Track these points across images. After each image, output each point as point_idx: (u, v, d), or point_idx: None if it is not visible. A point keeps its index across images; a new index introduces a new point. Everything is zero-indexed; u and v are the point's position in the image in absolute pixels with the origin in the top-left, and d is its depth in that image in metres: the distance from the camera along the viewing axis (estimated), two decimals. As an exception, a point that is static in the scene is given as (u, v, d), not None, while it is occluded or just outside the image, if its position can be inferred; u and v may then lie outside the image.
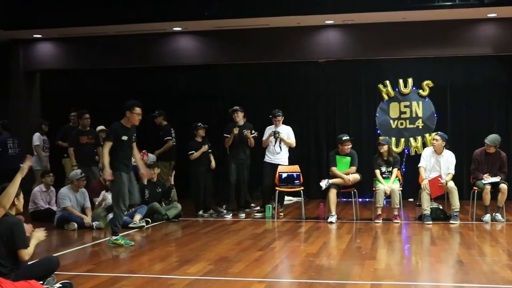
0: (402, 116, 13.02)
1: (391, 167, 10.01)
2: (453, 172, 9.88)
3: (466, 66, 12.88)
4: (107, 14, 12.11)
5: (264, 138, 10.81)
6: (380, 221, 9.76)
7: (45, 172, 10.73)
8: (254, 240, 8.26)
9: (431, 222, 9.49)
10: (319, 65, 13.34)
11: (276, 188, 10.40)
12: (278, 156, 10.64)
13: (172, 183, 10.85)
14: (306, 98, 13.54)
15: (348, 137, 10.18)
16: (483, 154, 9.90)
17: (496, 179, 9.63)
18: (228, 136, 10.63)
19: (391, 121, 13.04)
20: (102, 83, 14.10)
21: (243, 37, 12.77)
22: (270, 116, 10.76)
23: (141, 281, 5.96)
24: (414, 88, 12.94)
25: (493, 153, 9.84)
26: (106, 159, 7.79)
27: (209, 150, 10.91)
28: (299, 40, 12.66)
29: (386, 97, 13.03)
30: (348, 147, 10.13)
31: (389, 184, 9.83)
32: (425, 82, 12.85)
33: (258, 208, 10.97)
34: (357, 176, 10.03)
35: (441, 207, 10.14)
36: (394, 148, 11.82)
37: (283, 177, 10.46)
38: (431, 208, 9.77)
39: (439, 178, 9.73)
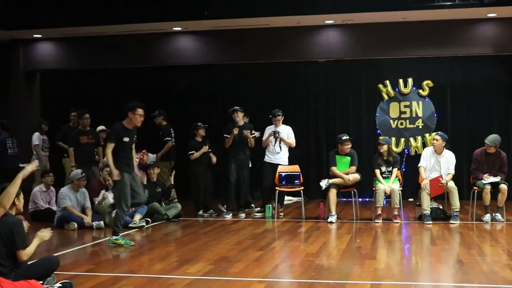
0: (402, 116, 13.02)
1: (391, 167, 10.01)
2: (453, 172, 9.88)
3: (466, 66, 12.89)
4: (107, 14, 12.12)
5: (264, 138, 10.82)
6: (380, 221, 9.76)
7: (45, 172, 10.73)
8: (254, 240, 8.26)
9: (431, 222, 9.49)
10: (319, 65, 13.34)
11: (276, 188, 10.40)
12: (278, 156, 10.64)
13: (172, 183, 10.85)
14: (306, 98, 13.54)
15: (347, 137, 10.18)
16: (483, 154, 9.90)
17: (496, 179, 9.63)
18: (228, 136, 10.63)
19: (391, 121, 13.04)
20: (102, 83, 14.11)
21: (243, 37, 12.77)
22: (270, 116, 10.76)
23: (141, 281, 5.96)
24: (414, 88, 12.94)
25: (493, 153, 9.84)
26: (111, 160, 7.79)
27: (209, 150, 10.92)
28: (299, 40, 12.66)
29: (386, 97, 13.04)
30: (348, 147, 10.13)
31: (389, 184, 9.83)
32: (425, 82, 12.85)
33: (258, 208, 10.96)
34: (357, 176, 10.03)
35: (441, 207, 10.14)
36: (394, 148, 11.83)
37: (283, 177, 10.45)
38: (431, 208, 9.77)
39: (440, 178, 9.73)
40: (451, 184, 9.72)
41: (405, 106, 13.00)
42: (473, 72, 12.92)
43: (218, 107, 13.58)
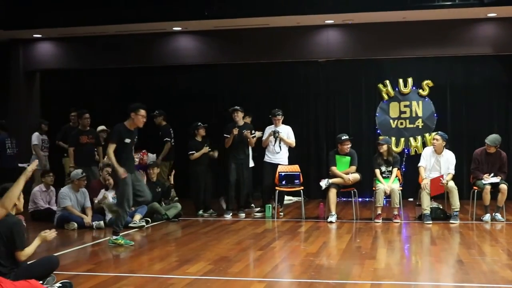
0: (402, 115, 13.02)
1: (391, 167, 10.02)
2: (453, 172, 9.88)
3: (466, 65, 12.89)
4: (107, 14, 12.11)
5: (264, 138, 10.82)
6: (380, 220, 9.76)
7: (45, 172, 10.73)
8: (254, 240, 8.26)
9: (431, 222, 9.49)
10: (319, 64, 13.34)
11: (276, 187, 10.40)
12: (278, 156, 10.64)
13: (172, 182, 10.85)
14: (306, 98, 13.55)
15: (347, 137, 10.18)
16: (483, 154, 9.90)
17: (496, 179, 9.63)
18: (228, 136, 10.63)
19: (391, 120, 13.04)
20: (102, 83, 14.10)
21: (243, 37, 12.77)
22: (270, 116, 10.77)
23: (141, 281, 5.96)
24: (414, 87, 12.94)
25: (494, 153, 9.83)
26: (113, 159, 7.79)
27: (209, 150, 10.92)
28: (299, 40, 12.65)
29: (386, 96, 13.04)
30: (347, 146, 10.13)
31: (389, 184, 9.83)
32: (425, 82, 12.86)
33: (259, 208, 10.96)
34: (357, 176, 10.03)
35: (441, 207, 10.14)
36: (394, 148, 11.83)
37: (283, 176, 10.45)
38: (431, 207, 9.77)
39: (441, 178, 9.73)
40: (451, 184, 9.72)
41: (405, 106, 13.01)
42: (473, 72, 12.92)
43: (218, 107, 13.58)
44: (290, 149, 10.85)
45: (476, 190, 9.83)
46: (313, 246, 7.75)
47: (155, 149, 11.65)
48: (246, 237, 8.49)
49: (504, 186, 9.58)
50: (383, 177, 9.97)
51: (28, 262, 5.45)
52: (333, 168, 10.13)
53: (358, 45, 12.58)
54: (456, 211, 9.65)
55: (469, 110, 12.89)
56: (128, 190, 7.90)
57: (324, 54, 12.74)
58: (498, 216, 9.70)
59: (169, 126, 11.84)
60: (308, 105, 13.53)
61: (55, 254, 6.58)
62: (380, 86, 13.04)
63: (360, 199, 11.49)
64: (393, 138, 12.64)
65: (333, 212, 9.80)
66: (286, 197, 11.52)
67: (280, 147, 10.62)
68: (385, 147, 10.05)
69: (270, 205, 10.57)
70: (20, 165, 11.56)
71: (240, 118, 10.76)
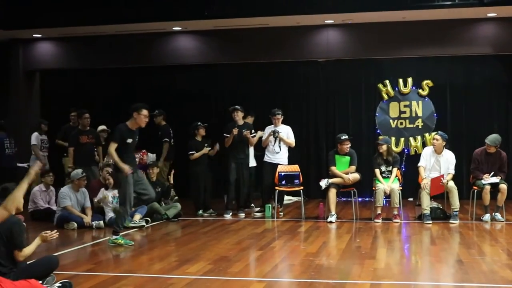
0: (402, 115, 13.02)
1: (390, 167, 10.01)
2: (453, 172, 9.88)
3: (466, 65, 12.89)
4: (107, 13, 12.11)
5: (263, 138, 10.82)
6: (380, 220, 9.76)
7: (44, 171, 10.72)
8: (253, 240, 8.26)
9: (430, 222, 9.49)
10: (318, 64, 13.34)
11: (276, 187, 10.40)
12: (278, 156, 10.64)
13: (172, 182, 10.86)
14: (305, 98, 13.55)
15: (347, 137, 10.18)
16: (483, 154, 9.89)
17: (496, 179, 9.63)
18: (228, 136, 10.63)
19: (391, 120, 13.04)
20: (102, 83, 14.10)
21: (243, 36, 12.77)
22: (270, 116, 10.77)
23: (141, 281, 5.96)
24: (413, 87, 12.94)
25: (494, 153, 9.83)
26: (116, 157, 7.81)
27: (209, 149, 10.92)
28: (299, 39, 12.65)
29: (385, 96, 13.04)
30: (347, 146, 10.13)
31: (388, 184, 9.83)
32: (425, 82, 12.86)
33: (258, 208, 10.97)
34: (356, 176, 10.03)
35: (441, 207, 10.14)
36: (394, 148, 11.83)
37: (282, 176, 10.45)
38: (430, 207, 9.76)
39: (441, 178, 9.73)
40: (451, 183, 9.72)
41: (405, 106, 13.01)
42: (473, 71, 12.91)
43: (218, 107, 13.58)
44: (290, 149, 10.85)
45: (476, 190, 9.83)
46: (313, 246, 7.75)
47: (154, 149, 11.66)
48: (246, 237, 8.49)
49: (504, 186, 9.58)
50: (383, 177, 9.97)
51: (28, 262, 5.46)
52: (333, 168, 10.13)
53: (358, 45, 12.58)
54: (456, 211, 9.65)
55: (469, 110, 12.89)
56: (130, 190, 7.92)
57: (324, 54, 12.74)
58: (498, 216, 9.70)
59: (169, 126, 11.85)
60: (308, 105, 13.53)
61: (55, 254, 6.58)
62: (380, 86, 13.04)
63: (360, 199, 11.49)
64: (393, 138, 12.64)
65: (333, 212, 9.80)
66: (286, 197, 11.52)
67: (280, 147, 10.62)
68: (384, 147, 10.05)
69: (270, 205, 10.57)
70: (19, 165, 11.60)
71: (240, 117, 10.76)
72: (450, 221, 9.56)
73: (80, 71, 14.13)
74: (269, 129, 10.74)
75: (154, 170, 10.44)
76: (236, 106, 10.79)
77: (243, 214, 10.68)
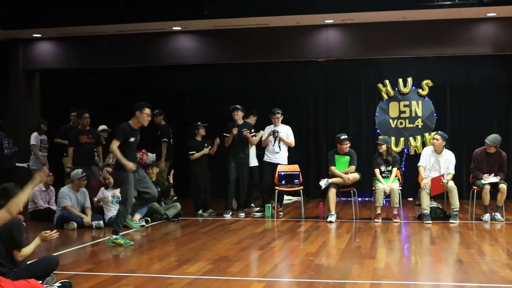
0: (402, 115, 13.03)
1: (390, 167, 10.01)
2: (453, 172, 9.88)
3: (466, 65, 12.89)
4: (107, 13, 12.11)
5: (263, 138, 10.82)
6: (380, 220, 9.76)
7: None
8: (253, 240, 8.26)
9: (430, 222, 9.49)
10: (318, 64, 13.34)
11: (276, 187, 10.40)
12: (278, 156, 10.64)
13: (171, 182, 10.86)
14: (305, 98, 13.55)
15: (346, 136, 10.18)
16: (483, 154, 9.89)
17: (496, 179, 9.63)
18: (228, 135, 10.63)
19: (391, 120, 13.05)
20: (102, 83, 14.10)
21: (243, 36, 12.76)
22: (270, 115, 10.78)
23: (141, 281, 5.96)
24: (413, 87, 12.95)
25: (494, 153, 9.83)
26: (119, 155, 7.84)
27: (209, 148, 10.93)
28: (299, 39, 12.65)
29: (385, 96, 13.04)
30: (346, 146, 10.13)
31: (388, 184, 9.83)
32: (425, 82, 12.86)
33: (258, 208, 10.97)
34: (356, 175, 10.03)
35: (440, 207, 10.14)
36: (393, 148, 11.83)
37: (282, 176, 10.45)
38: (430, 207, 9.77)
39: (441, 178, 9.73)
40: (451, 183, 9.72)
41: (405, 106, 13.01)
42: (472, 71, 12.92)
43: (218, 107, 13.57)
44: (290, 148, 10.85)
45: (475, 190, 9.84)
46: (313, 245, 7.75)
47: (154, 149, 11.65)
48: (246, 237, 8.49)
49: (503, 186, 9.58)
50: (383, 177, 9.97)
51: (28, 262, 5.46)
52: (333, 168, 10.13)
53: (357, 45, 12.58)
54: (456, 211, 9.65)
55: (469, 110, 12.89)
56: (131, 189, 7.96)
57: (324, 53, 12.74)
58: (498, 215, 9.70)
59: (169, 126, 11.85)
60: (308, 105, 13.53)
61: (55, 254, 6.59)
62: (380, 85, 13.04)
63: (359, 199, 11.50)
64: (393, 138, 12.65)
65: (333, 212, 9.80)
66: (286, 197, 11.53)
67: (279, 147, 10.62)
68: (384, 147, 10.05)
69: (270, 205, 10.57)
70: (19, 164, 11.60)
71: (239, 117, 10.76)
72: (450, 221, 9.56)
73: (80, 71, 14.13)
74: (268, 128, 10.75)
75: (154, 170, 10.43)
76: (237, 106, 10.79)
77: (243, 214, 10.68)
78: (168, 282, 5.86)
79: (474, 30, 12.12)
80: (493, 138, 9.83)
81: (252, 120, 11.42)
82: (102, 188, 9.97)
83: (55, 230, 5.72)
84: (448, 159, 9.93)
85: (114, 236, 7.93)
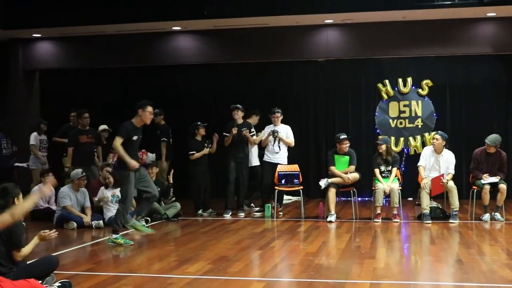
0: (402, 115, 13.03)
1: (390, 166, 10.01)
2: (453, 172, 9.88)
3: (466, 65, 12.89)
4: (107, 13, 12.11)
5: (263, 138, 10.82)
6: (380, 220, 9.76)
7: (44, 171, 10.73)
8: (253, 240, 8.26)
9: (430, 221, 9.50)
10: (318, 64, 13.34)
11: (276, 187, 10.40)
12: (277, 156, 10.64)
13: (171, 182, 10.86)
14: (305, 98, 13.55)
15: (345, 136, 10.18)
16: (483, 154, 9.89)
17: (495, 179, 9.63)
18: (227, 135, 10.63)
19: (391, 120, 13.05)
20: (102, 83, 14.10)
21: (243, 36, 12.76)
22: (269, 115, 10.78)
23: (141, 280, 5.96)
24: (413, 87, 12.95)
25: (493, 153, 9.83)
26: (123, 152, 7.86)
27: (209, 146, 10.93)
28: (299, 39, 12.65)
29: (385, 96, 13.05)
30: (346, 145, 10.13)
31: (388, 183, 9.83)
32: (425, 81, 12.86)
33: (258, 207, 10.97)
34: (356, 175, 10.03)
35: (440, 206, 10.14)
36: (393, 147, 11.83)
37: (282, 176, 10.45)
38: (430, 207, 9.77)
39: (441, 177, 9.73)
40: (451, 183, 9.72)
41: (405, 106, 13.01)
42: (472, 71, 12.92)
43: (218, 107, 13.57)
44: (290, 148, 10.85)
45: (475, 190, 9.84)
46: (313, 245, 7.75)
47: (153, 148, 11.65)
48: (246, 237, 8.49)
49: (503, 186, 9.58)
50: (383, 177, 9.97)
51: (28, 262, 5.46)
52: (332, 168, 10.13)
53: (357, 45, 12.57)
54: (456, 211, 9.65)
55: (469, 110, 12.89)
56: (131, 189, 8.00)
57: (324, 53, 12.73)
58: (498, 215, 9.70)
59: (168, 126, 11.85)
60: (308, 104, 13.53)
61: (55, 254, 6.60)
62: (380, 85, 13.04)
63: (359, 199, 11.50)
64: (393, 138, 12.65)
65: (333, 212, 9.80)
66: (286, 197, 11.52)
67: (279, 147, 10.62)
68: (384, 146, 10.05)
69: (270, 205, 10.57)
70: (19, 164, 11.60)
71: (239, 116, 10.76)
72: (450, 221, 9.56)
73: (80, 70, 14.12)
74: (268, 128, 10.75)
75: (153, 170, 10.43)
76: (237, 105, 10.78)
77: (243, 214, 10.68)
78: (168, 282, 5.86)
79: (474, 30, 12.12)
80: (493, 138, 9.83)
81: (254, 119, 11.42)
82: (102, 188, 9.97)
83: (54, 230, 5.72)
84: (448, 159, 9.93)
85: (114, 236, 7.94)
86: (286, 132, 10.72)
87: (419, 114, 12.93)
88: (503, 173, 9.80)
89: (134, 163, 7.89)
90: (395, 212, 9.81)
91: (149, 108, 8.08)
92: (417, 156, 11.20)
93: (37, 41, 13.62)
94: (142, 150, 11.34)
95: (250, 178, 11.03)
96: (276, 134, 10.55)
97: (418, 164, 10.12)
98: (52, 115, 13.22)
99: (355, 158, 10.19)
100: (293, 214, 10.86)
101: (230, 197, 10.76)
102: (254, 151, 11.20)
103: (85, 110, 11.09)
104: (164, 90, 13.78)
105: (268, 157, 10.71)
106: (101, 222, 9.48)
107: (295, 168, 10.64)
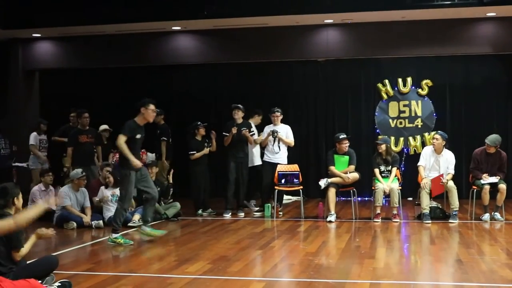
0: (401, 115, 13.03)
1: (390, 166, 10.01)
2: (452, 172, 9.88)
3: (466, 65, 12.89)
4: (107, 13, 12.10)
5: (263, 138, 10.82)
6: (379, 220, 9.76)
7: (44, 171, 10.73)
8: (253, 239, 8.26)
9: (430, 221, 9.50)
10: (318, 64, 13.35)
11: (275, 187, 10.40)
12: (277, 156, 10.64)
13: (171, 181, 10.86)
14: (305, 97, 13.55)
15: (345, 136, 10.18)
16: (483, 154, 9.89)
17: (495, 179, 9.63)
18: (227, 135, 10.63)
19: (390, 120, 13.05)
20: (102, 82, 14.10)
21: (243, 36, 12.76)
22: (269, 114, 10.78)
23: (140, 280, 5.96)
24: (413, 87, 12.95)
25: (493, 153, 9.83)
26: (126, 150, 7.88)
27: (209, 145, 10.93)
28: (298, 39, 12.64)
29: (385, 96, 13.05)
30: (345, 145, 10.13)
31: (388, 183, 9.83)
32: (424, 81, 12.87)
33: (258, 207, 10.97)
34: (356, 175, 10.03)
35: (440, 206, 10.14)
36: (393, 147, 11.84)
37: (282, 176, 10.45)
38: (430, 207, 9.77)
39: (441, 177, 9.73)
40: (451, 183, 9.73)
41: (404, 106, 13.01)
42: (472, 71, 12.92)
43: (217, 107, 13.57)
44: (289, 148, 10.85)
45: (475, 190, 9.84)
46: (312, 245, 7.75)
47: (153, 148, 11.65)
48: (245, 237, 8.49)
49: (503, 186, 9.58)
50: (382, 177, 9.97)
51: (28, 262, 5.46)
52: (332, 168, 10.13)
53: (357, 45, 12.57)
54: (455, 211, 9.65)
55: (469, 110, 12.89)
56: (131, 188, 8.03)
57: (323, 53, 12.73)
58: (497, 215, 9.71)
59: (168, 126, 11.85)
60: (307, 104, 13.53)
61: (55, 254, 6.59)
62: (379, 85, 13.04)
63: (359, 199, 11.50)
64: (392, 138, 12.65)
65: (332, 212, 9.80)
66: (285, 197, 11.52)
67: (279, 147, 10.62)
68: (383, 146, 10.05)
69: (270, 205, 10.57)
70: (19, 164, 11.59)
71: (239, 116, 10.76)
72: (450, 221, 9.56)
73: (79, 70, 14.12)
74: (268, 128, 10.75)
75: (153, 169, 10.42)
76: (238, 105, 10.78)
77: (243, 214, 10.68)
78: (168, 281, 5.86)
79: (473, 29, 12.11)
80: (493, 138, 9.82)
81: (257, 119, 11.42)
82: (102, 187, 9.97)
83: (51, 228, 5.71)
84: (448, 159, 9.93)
85: (114, 235, 7.94)
86: (286, 132, 10.72)
87: (419, 114, 12.94)
88: (503, 173, 9.81)
89: (137, 162, 7.93)
90: (395, 212, 9.81)
91: (152, 106, 8.15)
92: (417, 156, 11.20)
93: (37, 41, 13.62)
94: (142, 150, 11.33)
95: (253, 178, 11.01)
96: (275, 134, 10.55)
97: (418, 164, 10.12)
98: (51, 115, 13.20)
99: (355, 158, 10.19)
100: (293, 214, 10.86)
101: (230, 197, 10.76)
102: (256, 151, 11.20)
103: (85, 110, 11.09)
104: (163, 90, 13.78)
105: (268, 157, 10.71)
106: (101, 222, 9.48)
107: (295, 168, 10.64)
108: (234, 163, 10.68)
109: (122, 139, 7.92)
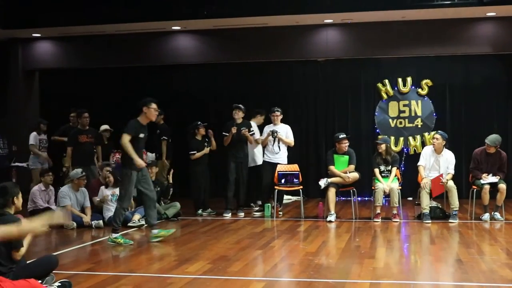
0: (401, 115, 13.03)
1: (390, 166, 10.01)
2: (452, 172, 9.88)
3: (465, 65, 12.88)
4: (107, 13, 12.12)
5: (263, 137, 10.82)
6: (379, 220, 9.76)
7: (44, 171, 10.73)
8: (253, 239, 8.26)
9: (430, 221, 9.50)
10: (318, 64, 13.34)
11: (275, 187, 10.40)
12: (277, 155, 10.64)
13: (171, 181, 10.86)
14: (305, 97, 13.54)
15: (344, 135, 10.18)
16: (483, 154, 9.89)
17: (495, 179, 9.63)
18: (227, 135, 10.63)
19: (390, 120, 13.05)
20: (101, 82, 14.09)
21: (242, 36, 12.77)
22: (269, 114, 10.78)
23: (140, 280, 5.96)
24: (413, 87, 12.95)
25: (493, 153, 9.83)
26: (131, 149, 7.90)
27: (209, 145, 10.94)
28: (298, 39, 12.65)
29: (385, 96, 13.05)
30: (345, 145, 10.13)
31: (388, 183, 9.83)
32: (424, 81, 12.86)
33: (258, 207, 10.97)
34: (356, 175, 10.03)
35: (440, 206, 10.14)
36: (393, 147, 11.85)
37: (282, 176, 10.45)
38: (430, 207, 9.77)
39: (440, 177, 9.73)
40: (451, 183, 9.73)
41: (404, 105, 13.01)
42: (472, 71, 12.91)
43: (217, 107, 13.57)
44: (289, 148, 10.85)
45: (475, 190, 9.84)
46: (312, 245, 7.75)
47: (153, 148, 11.66)
48: (245, 236, 8.49)
49: (503, 186, 9.58)
50: (382, 177, 9.97)
51: (28, 261, 5.46)
52: (332, 168, 10.12)
53: (357, 44, 12.58)
54: (455, 210, 9.65)
55: (468, 110, 12.89)
56: (131, 188, 8.03)
57: (323, 53, 12.74)
58: (497, 215, 9.71)
59: (168, 126, 11.85)
60: (307, 104, 13.52)
61: (55, 254, 6.58)
62: (379, 85, 13.04)
63: (359, 199, 11.50)
64: (392, 138, 12.65)
65: (332, 211, 9.80)
66: (285, 197, 11.52)
67: (279, 147, 10.61)
68: (383, 146, 10.05)
69: (269, 205, 10.57)
70: (18, 164, 11.60)
71: (239, 116, 10.75)
72: (450, 221, 9.56)
73: (79, 70, 14.12)
74: (268, 128, 10.75)
75: (153, 169, 10.42)
76: (239, 105, 10.77)
77: (243, 214, 10.68)
78: (168, 281, 5.86)
79: (473, 29, 12.12)
80: (493, 138, 9.82)
81: (259, 119, 11.42)
82: (102, 187, 9.97)
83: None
84: (448, 159, 9.93)
85: (114, 235, 7.95)
86: (286, 131, 10.72)
87: (419, 113, 12.94)
88: (503, 173, 9.81)
89: (141, 162, 7.95)
90: (395, 211, 9.81)
91: (154, 105, 8.16)
92: (416, 155, 11.20)
93: (37, 41, 13.63)
94: (142, 150, 11.33)
95: (256, 178, 11.00)
96: (275, 134, 10.55)
97: (418, 163, 10.12)
98: (51, 115, 13.20)
99: (355, 157, 10.19)
100: (293, 213, 10.86)
101: (230, 197, 10.76)
102: (258, 151, 11.19)
103: (85, 110, 11.09)
104: (163, 89, 13.75)
105: (268, 157, 10.71)
106: (100, 221, 9.48)
107: (294, 168, 10.64)
108: (234, 163, 10.68)
109: (126, 139, 7.94)
